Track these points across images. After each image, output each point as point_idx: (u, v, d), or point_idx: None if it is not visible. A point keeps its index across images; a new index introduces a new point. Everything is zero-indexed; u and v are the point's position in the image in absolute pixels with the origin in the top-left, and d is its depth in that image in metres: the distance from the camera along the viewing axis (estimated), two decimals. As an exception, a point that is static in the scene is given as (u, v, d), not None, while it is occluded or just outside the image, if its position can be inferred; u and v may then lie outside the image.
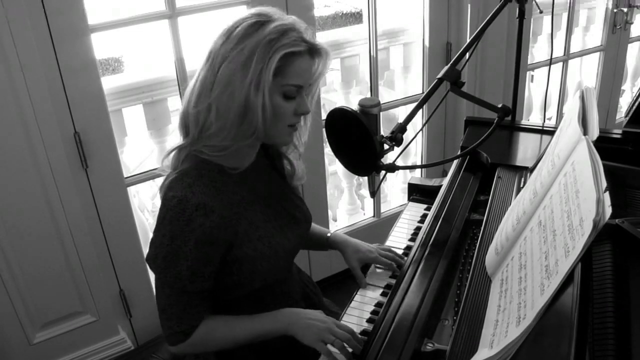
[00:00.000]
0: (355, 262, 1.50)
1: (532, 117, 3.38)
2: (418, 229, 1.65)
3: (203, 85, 1.17)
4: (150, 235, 2.41)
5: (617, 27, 3.21)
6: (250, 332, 1.28)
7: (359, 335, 1.26)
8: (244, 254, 1.23)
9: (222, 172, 1.22)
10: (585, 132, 1.13)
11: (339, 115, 1.34)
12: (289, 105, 1.19)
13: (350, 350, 1.21)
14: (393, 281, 1.44)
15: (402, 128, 1.39)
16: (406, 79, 2.86)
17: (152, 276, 2.31)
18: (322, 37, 2.50)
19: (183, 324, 1.24)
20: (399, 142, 1.37)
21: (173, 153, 1.25)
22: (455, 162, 1.73)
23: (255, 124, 1.15)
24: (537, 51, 3.28)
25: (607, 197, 0.87)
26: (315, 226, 1.59)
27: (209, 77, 1.16)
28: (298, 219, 1.38)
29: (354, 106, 1.36)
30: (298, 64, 1.16)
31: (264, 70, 1.12)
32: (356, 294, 1.44)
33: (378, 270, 1.52)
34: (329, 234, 1.58)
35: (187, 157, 1.23)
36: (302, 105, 1.21)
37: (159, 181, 2.36)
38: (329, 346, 1.20)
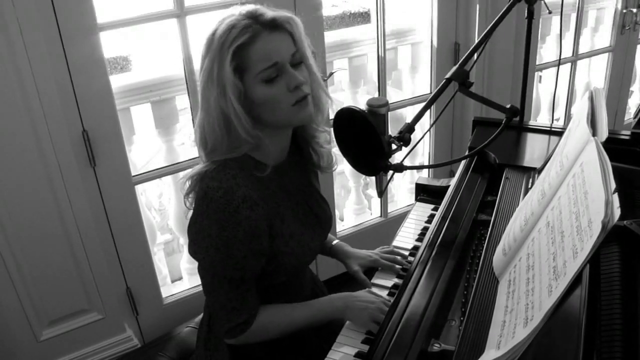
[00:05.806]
0: (355, 266, 1.51)
1: (540, 118, 3.37)
2: (425, 229, 1.65)
3: (200, 101, 1.21)
4: (158, 233, 2.44)
5: (626, 27, 3.19)
6: (308, 317, 1.32)
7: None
8: (277, 249, 1.24)
9: (257, 167, 1.23)
10: (594, 133, 1.13)
11: (346, 115, 1.34)
12: (277, 88, 1.16)
13: None
14: (400, 281, 1.44)
15: (410, 128, 1.38)
16: (414, 79, 2.86)
17: (159, 274, 2.32)
18: (330, 37, 2.50)
19: (243, 315, 1.25)
20: (406, 142, 1.37)
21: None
22: (463, 162, 1.72)
23: (240, 132, 1.16)
24: (546, 52, 3.27)
25: (615, 198, 0.86)
26: None
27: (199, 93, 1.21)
28: (321, 219, 1.39)
29: (362, 106, 1.36)
30: (256, 49, 1.13)
31: (224, 76, 1.13)
32: (363, 294, 1.44)
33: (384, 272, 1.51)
34: (333, 242, 1.59)
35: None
36: (291, 80, 1.16)
37: (166, 180, 2.37)
38: None
